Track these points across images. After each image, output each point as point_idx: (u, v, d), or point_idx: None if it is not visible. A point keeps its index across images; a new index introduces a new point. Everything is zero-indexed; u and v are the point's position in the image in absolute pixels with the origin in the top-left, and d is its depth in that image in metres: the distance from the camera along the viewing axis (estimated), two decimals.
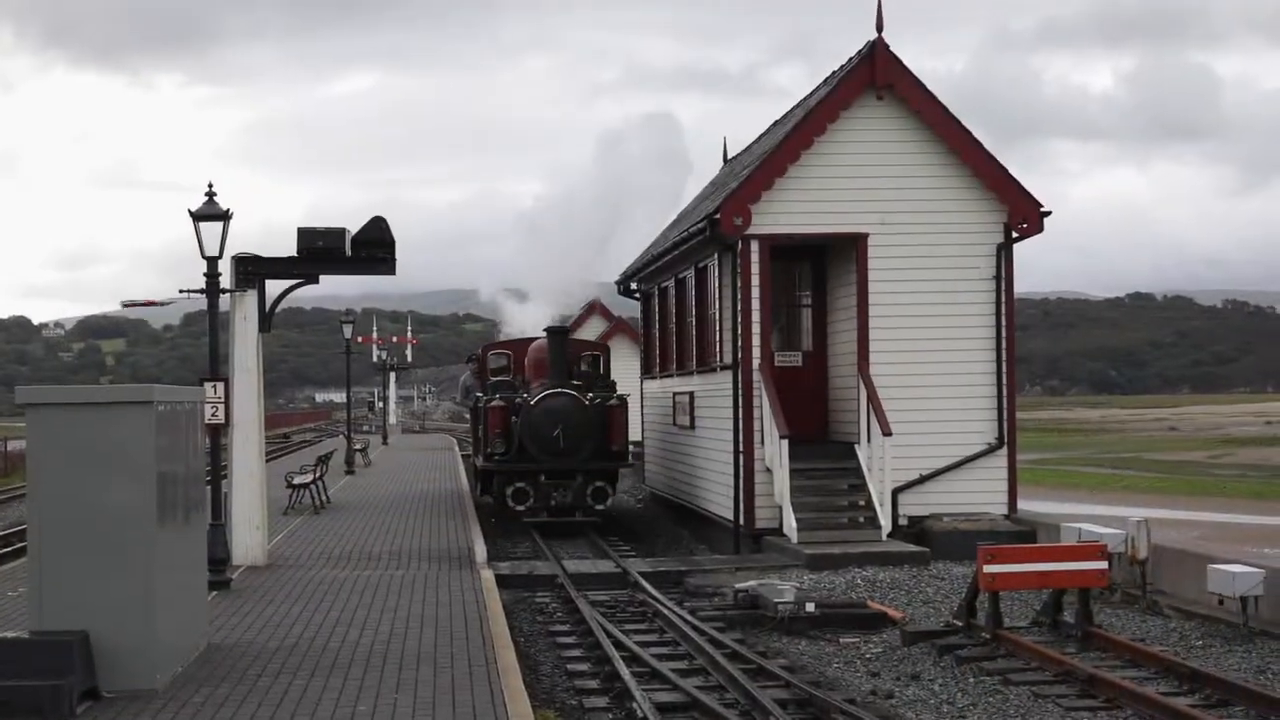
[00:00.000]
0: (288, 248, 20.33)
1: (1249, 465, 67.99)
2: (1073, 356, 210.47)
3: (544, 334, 29.90)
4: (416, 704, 11.06)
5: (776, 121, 29.30)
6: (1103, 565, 16.09)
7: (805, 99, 27.46)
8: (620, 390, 30.49)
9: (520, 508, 27.69)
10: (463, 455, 54.71)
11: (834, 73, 26.17)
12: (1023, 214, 23.97)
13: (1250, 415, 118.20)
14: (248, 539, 19.93)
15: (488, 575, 18.69)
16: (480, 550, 21.65)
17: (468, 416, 46.44)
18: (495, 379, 31.14)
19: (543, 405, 27.72)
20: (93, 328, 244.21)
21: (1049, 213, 24.12)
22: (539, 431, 27.56)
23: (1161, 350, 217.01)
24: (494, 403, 28.65)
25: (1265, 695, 13.05)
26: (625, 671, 13.70)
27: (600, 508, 27.82)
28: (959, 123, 24.01)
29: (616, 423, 28.14)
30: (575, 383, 28.64)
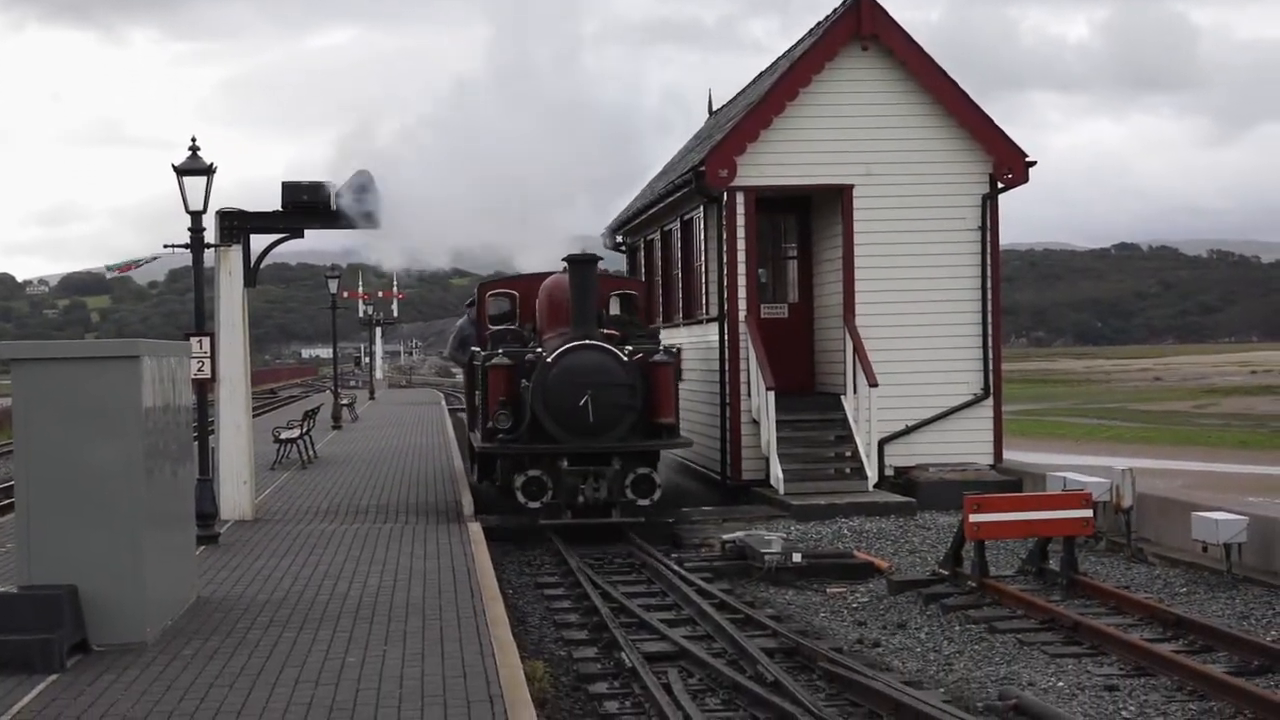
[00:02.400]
0: (267, 205, 20.29)
1: (1233, 415, 68.27)
2: (1058, 308, 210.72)
3: (561, 267, 21.43)
4: (405, 655, 11.11)
5: (762, 73, 29.21)
6: (1088, 514, 16.17)
7: (790, 50, 27.37)
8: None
9: (535, 505, 19.70)
10: (451, 410, 54.69)
11: (819, 24, 26.08)
12: (1008, 164, 23.97)
13: (1234, 365, 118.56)
14: (235, 494, 19.96)
15: (475, 528, 18.73)
16: (468, 503, 21.69)
17: (458, 374, 44.18)
18: (497, 329, 22.49)
19: (565, 364, 19.56)
20: (77, 284, 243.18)
21: (1034, 163, 24.12)
22: (560, 400, 19.49)
23: (1147, 301, 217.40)
24: (496, 362, 20.18)
25: (1248, 641, 13.16)
26: (612, 622, 13.76)
27: (645, 503, 19.80)
28: (944, 73, 23.96)
29: (664, 386, 20.07)
30: (606, 332, 20.71)
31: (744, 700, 11.08)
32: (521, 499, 19.67)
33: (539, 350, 20.21)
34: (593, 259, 20.63)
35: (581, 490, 19.71)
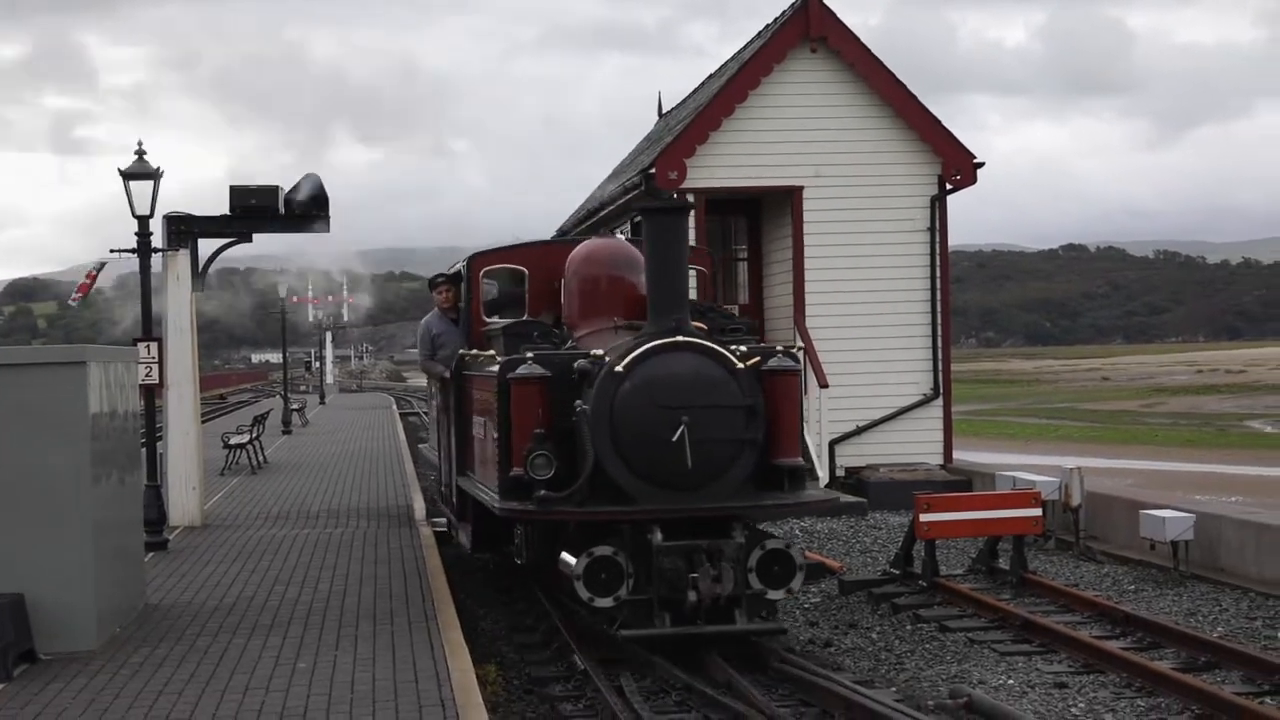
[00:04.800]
0: (211, 210, 20.18)
1: (1180, 414, 68.94)
2: (1008, 309, 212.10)
3: (604, 232, 16.06)
4: (356, 660, 11.06)
5: (711, 75, 29.28)
6: (1037, 512, 16.28)
7: (739, 52, 27.44)
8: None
9: (607, 603, 11.94)
10: (402, 415, 54.44)
11: (767, 26, 26.16)
12: (956, 165, 24.13)
13: (1181, 364, 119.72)
14: (184, 499, 19.82)
15: (427, 532, 18.67)
16: (419, 507, 21.62)
17: (412, 378, 41.09)
18: (496, 321, 15.34)
19: (645, 375, 12.15)
20: (22, 290, 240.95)
21: (982, 164, 24.29)
22: (638, 432, 12.10)
23: (1095, 301, 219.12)
24: (525, 373, 12.56)
25: (1195, 637, 13.28)
26: (563, 627, 13.72)
27: (779, 596, 12.33)
28: (892, 75, 24.10)
29: (787, 407, 12.77)
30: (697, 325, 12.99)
31: (696, 701, 11.08)
32: (584, 594, 11.79)
33: (597, 354, 12.41)
34: (683, 206, 13.24)
35: (693, 582, 11.74)
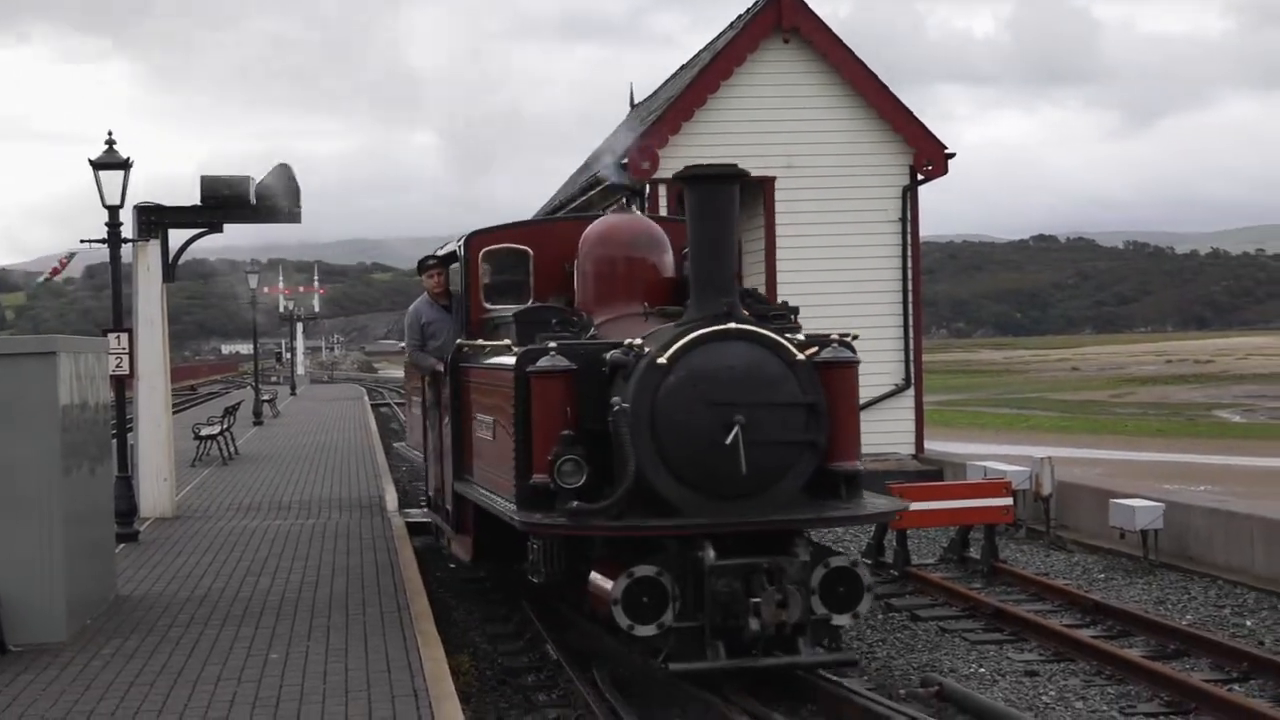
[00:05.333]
0: (182, 201, 20.09)
1: (1149, 404, 69.30)
2: (978, 299, 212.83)
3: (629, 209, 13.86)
4: (329, 651, 11.05)
5: (684, 66, 29.28)
6: (1008, 502, 16.37)
7: (712, 42, 27.45)
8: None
9: (648, 631, 10.29)
10: (374, 405, 54.26)
11: (740, 16, 26.17)
12: (928, 156, 24.19)
13: (1150, 355, 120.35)
14: (155, 491, 19.75)
15: (398, 522, 18.66)
16: (391, 497, 21.60)
17: (384, 368, 40.00)
18: (500, 308, 13.74)
19: (692, 366, 10.60)
20: None
21: (953, 155, 24.36)
22: (685, 433, 10.54)
23: (1065, 292, 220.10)
24: (547, 365, 10.98)
25: (1165, 625, 13.37)
26: (535, 617, 13.74)
27: (845, 622, 10.84)
28: (864, 65, 24.14)
29: (843, 406, 11.27)
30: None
31: (669, 690, 11.08)
32: (623, 621, 10.13)
33: (634, 343, 10.77)
34: (734, 174, 11.04)
35: (755, 607, 10.10)
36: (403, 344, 18.14)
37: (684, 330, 10.66)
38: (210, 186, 19.86)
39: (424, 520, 19.91)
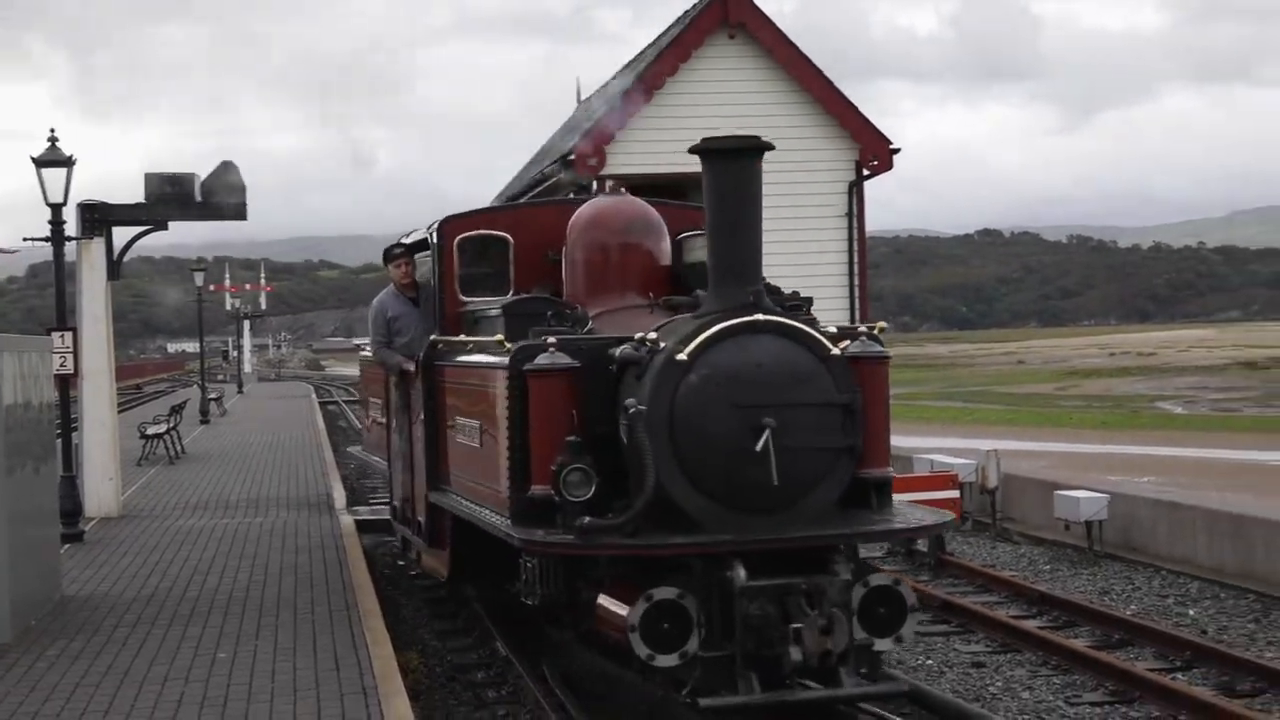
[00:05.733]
0: (127, 199, 19.96)
1: (1093, 396, 69.86)
2: (924, 294, 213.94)
3: (616, 189, 12.38)
4: (277, 649, 11.01)
5: (630, 61, 29.29)
6: (954, 494, 16.51)
7: (658, 38, 27.47)
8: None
9: (670, 661, 8.89)
10: (321, 404, 53.98)
11: (686, 12, 26.20)
12: (874, 151, 24.28)
13: (1094, 348, 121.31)
14: (101, 490, 19.60)
15: (347, 521, 18.60)
16: (339, 496, 21.53)
17: (330, 366, 39.35)
18: (474, 299, 12.56)
19: (715, 363, 9.31)
20: None
21: (898, 150, 24.46)
22: (713, 437, 9.23)
23: (1010, 286, 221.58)
24: (546, 363, 9.75)
25: (1109, 615, 13.52)
26: (484, 614, 13.75)
27: (887, 647, 9.52)
28: (809, 61, 24.20)
29: (874, 406, 10.08)
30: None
31: (613, 689, 11.10)
32: (641, 650, 8.84)
33: (648, 337, 9.56)
34: (758, 146, 9.95)
35: (795, 634, 8.78)
36: (358, 341, 18.07)
37: (706, 322, 9.37)
38: (154, 184, 19.73)
39: (372, 518, 19.88)
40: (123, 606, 12.98)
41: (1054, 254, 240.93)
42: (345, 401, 60.83)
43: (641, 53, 28.29)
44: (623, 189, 12.30)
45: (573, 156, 23.40)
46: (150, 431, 29.13)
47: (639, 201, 12.12)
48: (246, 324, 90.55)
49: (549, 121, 35.35)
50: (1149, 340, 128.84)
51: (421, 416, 12.73)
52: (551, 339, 9.80)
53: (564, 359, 9.69)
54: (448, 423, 12.03)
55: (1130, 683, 11.15)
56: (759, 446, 8.98)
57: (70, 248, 18.88)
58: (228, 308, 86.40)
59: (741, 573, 8.88)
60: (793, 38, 24.46)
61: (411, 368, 13.01)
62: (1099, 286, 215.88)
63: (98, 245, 19.74)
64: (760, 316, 9.43)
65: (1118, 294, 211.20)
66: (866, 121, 24.37)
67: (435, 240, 12.74)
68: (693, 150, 10.04)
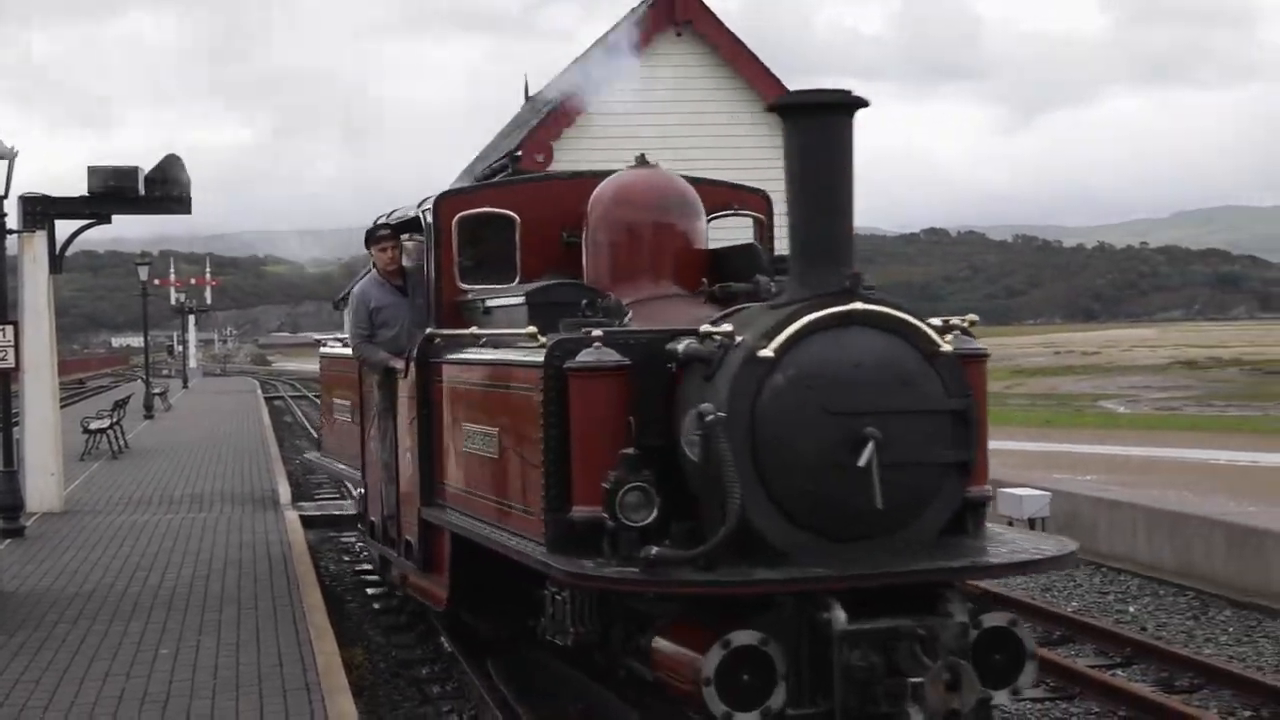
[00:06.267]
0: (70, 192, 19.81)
1: (1038, 394, 70.49)
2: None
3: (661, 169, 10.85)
4: (220, 645, 10.96)
5: (577, 59, 29.27)
6: None
7: (605, 35, 27.47)
8: None
9: (751, 719, 7.27)
10: (267, 399, 53.67)
11: (633, 9, 26.23)
12: None
13: (1039, 346, 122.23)
14: (42, 485, 19.45)
15: (292, 516, 18.53)
16: (284, 491, 21.44)
17: (277, 361, 38.47)
18: (475, 287, 10.91)
19: (804, 361, 7.72)
20: None
21: None
22: (805, 451, 7.64)
23: (955, 285, 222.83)
24: (595, 360, 8.14)
25: (1051, 612, 13.63)
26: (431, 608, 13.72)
27: (1004, 701, 8.14)
28: (756, 59, 24.30)
29: (978, 410, 8.34)
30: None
31: (559, 686, 11.12)
32: (717, 708, 7.33)
33: (720, 330, 8.02)
34: (851, 101, 8.22)
35: (913, 689, 7.26)
36: (318, 337, 17.11)
37: (794, 311, 7.80)
38: (98, 177, 19.59)
39: (318, 514, 19.82)
40: (64, 602, 12.88)
41: (1000, 253, 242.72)
42: (291, 397, 60.55)
43: (589, 50, 28.28)
44: (655, 163, 10.73)
45: (519, 153, 23.38)
46: (93, 426, 28.90)
47: (673, 174, 10.66)
48: (192, 319, 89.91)
49: (496, 118, 35.26)
50: (1093, 339, 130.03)
51: (412, 421, 11.00)
52: (596, 331, 8.22)
53: (613, 355, 8.14)
54: (446, 428, 10.48)
55: (1070, 679, 11.26)
56: (862, 461, 7.47)
57: (11, 241, 18.74)
58: (172, 302, 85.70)
59: (841, 614, 7.34)
60: (741, 36, 24.55)
61: (400, 365, 11.34)
62: (1044, 285, 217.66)
63: (40, 238, 19.57)
64: (860, 305, 7.86)
65: (1063, 293, 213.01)
66: None
67: (430, 220, 11.09)
68: (771, 108, 8.67)
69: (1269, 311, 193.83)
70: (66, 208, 19.81)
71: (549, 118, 23.88)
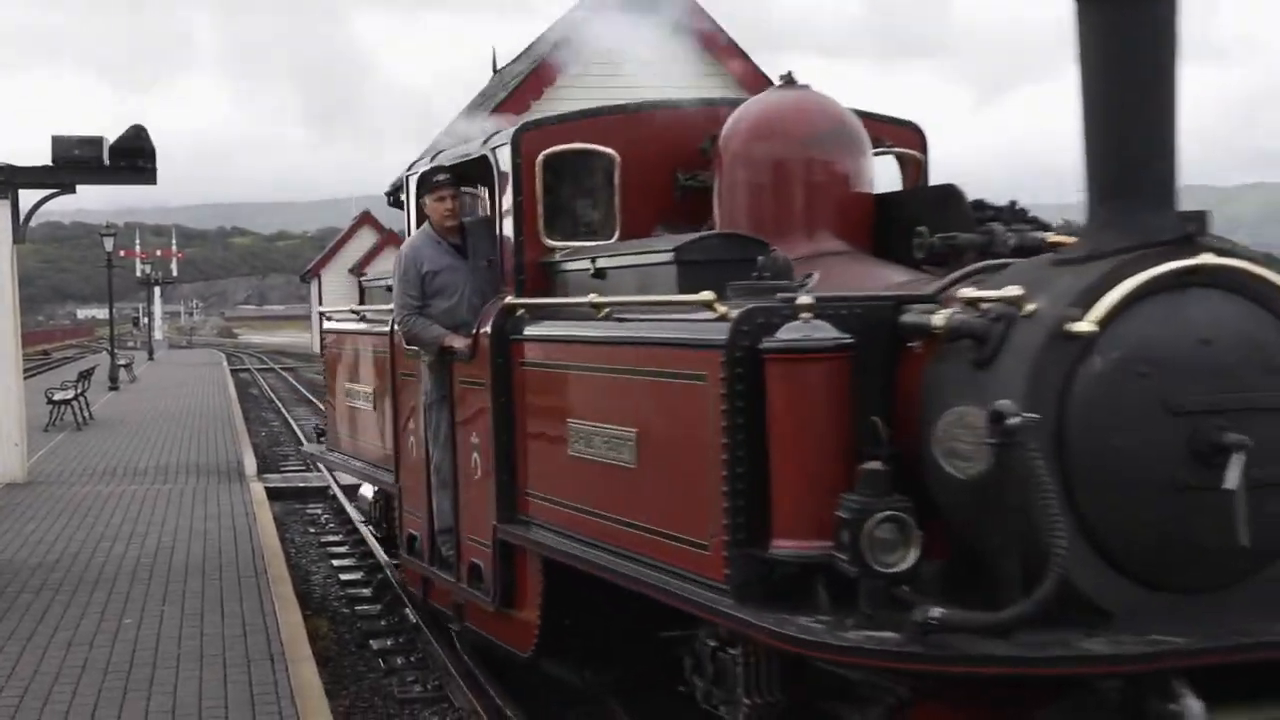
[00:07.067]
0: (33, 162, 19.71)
1: None
2: None
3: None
4: (185, 615, 10.97)
5: (545, 32, 29.20)
6: None
7: (574, 9, 27.41)
8: None
9: None
10: (233, 371, 53.38)
11: None
12: None
13: None
14: (6, 456, 19.41)
15: (258, 488, 18.52)
16: (250, 463, 21.42)
17: (245, 336, 37.23)
18: (565, 244, 8.58)
19: (1140, 339, 5.26)
20: None
21: None
22: (1138, 466, 5.17)
23: None
24: (798, 341, 5.68)
25: None
26: (395, 578, 13.77)
27: None
28: (724, 33, 24.29)
29: None
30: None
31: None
32: None
33: (1004, 296, 5.51)
34: None
35: None
36: (322, 310, 15.75)
37: (1114, 269, 5.45)
38: (62, 146, 19.48)
39: (283, 486, 19.82)
40: (27, 572, 12.86)
41: None
42: (258, 369, 60.39)
43: (557, 22, 28.20)
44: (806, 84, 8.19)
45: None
46: (57, 397, 28.80)
47: (829, 98, 8.06)
48: (157, 290, 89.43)
49: (464, 91, 35.13)
50: None
51: (483, 414, 8.67)
52: (804, 297, 5.86)
53: (829, 331, 5.76)
54: (537, 426, 8.15)
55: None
56: (1230, 483, 5.13)
57: None
58: (138, 274, 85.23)
59: (1194, 705, 5.04)
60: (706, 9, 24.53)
61: (461, 345, 8.99)
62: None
63: (2, 208, 19.46)
64: (1210, 259, 5.44)
65: None
66: None
67: (508, 159, 8.83)
68: None
69: None
70: (30, 177, 19.70)
71: (515, 93, 23.84)
